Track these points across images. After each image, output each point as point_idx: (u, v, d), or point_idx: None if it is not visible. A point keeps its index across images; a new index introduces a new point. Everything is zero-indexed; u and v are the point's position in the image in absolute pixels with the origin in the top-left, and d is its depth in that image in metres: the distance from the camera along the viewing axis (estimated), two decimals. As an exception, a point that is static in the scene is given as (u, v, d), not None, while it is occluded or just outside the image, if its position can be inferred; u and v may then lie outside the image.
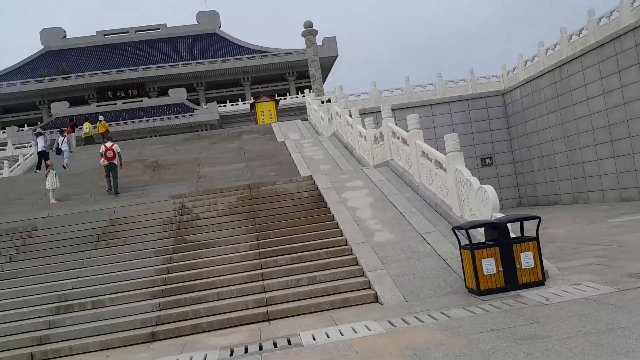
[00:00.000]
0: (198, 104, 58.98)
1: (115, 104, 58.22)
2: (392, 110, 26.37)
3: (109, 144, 17.28)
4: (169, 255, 10.35)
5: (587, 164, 22.77)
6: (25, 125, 55.23)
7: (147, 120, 54.93)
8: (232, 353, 6.54)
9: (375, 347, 5.98)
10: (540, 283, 7.95)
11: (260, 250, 10.25)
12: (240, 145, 22.58)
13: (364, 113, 23.78)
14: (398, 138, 13.99)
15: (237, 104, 57.78)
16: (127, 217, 12.60)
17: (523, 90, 26.84)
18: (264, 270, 9.46)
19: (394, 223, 10.84)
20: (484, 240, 8.59)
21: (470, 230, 8.54)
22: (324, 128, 24.44)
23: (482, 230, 8.90)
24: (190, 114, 55.61)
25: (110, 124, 50.69)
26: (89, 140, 30.10)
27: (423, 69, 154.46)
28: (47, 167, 17.85)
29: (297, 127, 26.71)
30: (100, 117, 36.14)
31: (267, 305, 8.37)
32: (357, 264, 9.47)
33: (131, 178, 18.22)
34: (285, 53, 61.00)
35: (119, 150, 17.18)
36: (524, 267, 7.96)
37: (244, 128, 28.59)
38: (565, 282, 7.95)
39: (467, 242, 8.10)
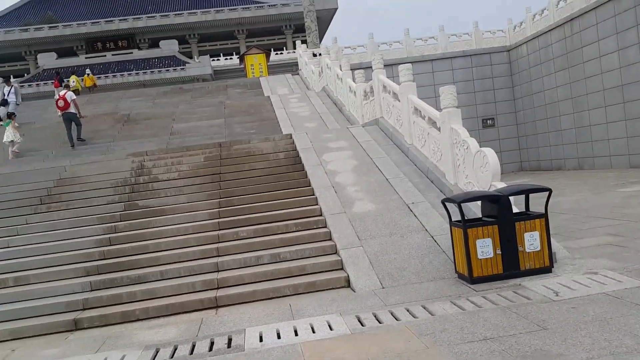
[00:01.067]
0: (191, 57, 56.52)
1: (105, 55, 55.75)
2: (390, 65, 24.52)
3: (62, 92, 15.69)
4: (114, 224, 8.88)
5: (595, 127, 21.08)
6: (11, 76, 52.93)
7: (137, 73, 52.60)
8: (155, 356, 5.16)
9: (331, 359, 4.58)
10: (547, 270, 6.49)
11: (220, 220, 8.79)
12: (223, 99, 20.83)
13: (359, 68, 21.84)
14: (389, 93, 12.32)
15: (231, 58, 55.27)
16: (78, 177, 11.08)
17: (530, 47, 24.82)
18: (220, 245, 8.01)
19: (378, 191, 9.33)
20: (480, 215, 7.11)
21: (464, 204, 7.03)
22: (314, 83, 22.62)
23: (479, 203, 7.40)
24: (182, 67, 53.22)
25: (99, 77, 48.60)
26: (76, 94, 28.24)
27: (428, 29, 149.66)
28: (8, 117, 16.28)
29: (286, 82, 24.85)
30: (87, 71, 34.38)
31: (217, 289, 6.96)
32: (330, 239, 8.02)
33: (98, 133, 16.62)
34: (282, 4, 57.96)
35: (73, 97, 15.87)
36: (527, 250, 6.49)
37: (230, 82, 26.70)
38: (577, 268, 6.50)
39: (459, 218, 6.61)
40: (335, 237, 7.86)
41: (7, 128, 15.22)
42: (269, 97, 19.57)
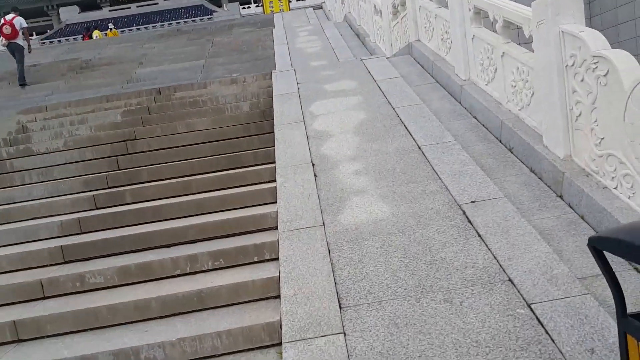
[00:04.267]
0: (220, 6, 51.64)
1: (129, 7, 51.62)
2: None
3: (9, 17, 11.53)
4: None
5: None
6: (34, 33, 49.96)
7: (162, 24, 48.38)
8: None
9: None
10: None
11: (75, 242, 4.30)
12: (220, 39, 16.05)
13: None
14: (429, -2, 7.24)
15: (261, 5, 49.94)
16: None
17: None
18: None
19: (402, 174, 4.52)
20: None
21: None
22: (336, 13, 17.44)
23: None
24: (209, 16, 48.41)
25: (123, 31, 44.91)
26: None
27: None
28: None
29: (305, 17, 19.65)
30: (110, 25, 31.68)
31: None
32: (277, 297, 3.39)
33: (45, 83, 12.43)
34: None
35: (25, 25, 11.80)
36: None
37: (238, 21, 21.83)
38: None
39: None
40: (288, 305, 3.19)
41: None
42: (272, 31, 14.62)
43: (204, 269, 3.85)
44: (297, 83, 7.21)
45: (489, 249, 3.38)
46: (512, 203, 3.90)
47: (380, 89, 6.58)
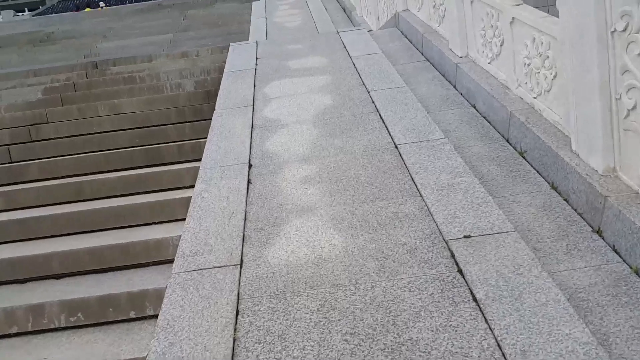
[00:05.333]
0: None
1: (122, -17, 49.52)
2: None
3: None
4: None
5: None
6: (25, 9, 47.83)
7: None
8: None
9: None
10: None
11: None
12: (195, 12, 14.45)
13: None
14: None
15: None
16: None
17: None
18: None
19: (368, 184, 3.14)
20: None
21: None
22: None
23: None
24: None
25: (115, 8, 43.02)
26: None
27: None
28: None
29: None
30: (101, 4, 30.29)
31: None
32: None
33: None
34: None
35: None
36: None
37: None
38: None
39: None
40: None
41: None
42: (251, 4, 13.03)
43: (52, 326, 2.48)
44: (257, 58, 5.76)
45: (491, 329, 2.01)
46: (526, 241, 2.53)
47: (356, 68, 5.14)
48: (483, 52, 4.35)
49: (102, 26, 13.60)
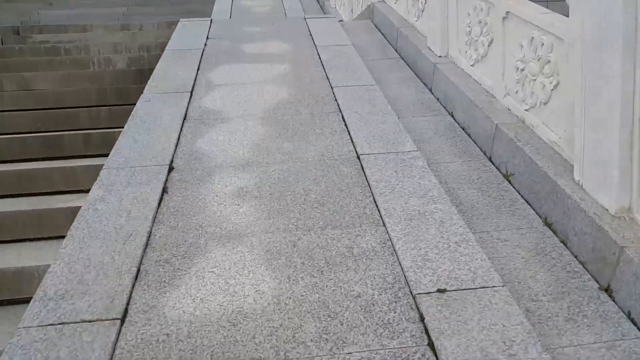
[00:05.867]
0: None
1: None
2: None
3: None
4: None
5: None
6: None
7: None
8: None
9: None
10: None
11: None
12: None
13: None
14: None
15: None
16: None
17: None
18: None
19: (320, 218, 2.45)
20: None
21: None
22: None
23: None
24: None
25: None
26: None
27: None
28: None
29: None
30: None
31: None
32: None
33: None
34: None
35: None
36: None
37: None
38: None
39: None
40: None
41: None
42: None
43: None
44: (208, 38, 4.95)
45: None
46: (516, 298, 1.89)
47: (320, 59, 4.41)
48: (466, 52, 3.71)
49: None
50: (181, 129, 3.15)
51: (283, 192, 2.56)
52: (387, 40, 5.20)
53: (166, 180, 2.61)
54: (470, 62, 3.65)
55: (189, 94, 3.66)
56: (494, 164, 2.97)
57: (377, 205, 2.42)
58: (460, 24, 3.81)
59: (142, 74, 4.19)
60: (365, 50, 4.97)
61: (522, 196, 2.66)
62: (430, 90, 4.02)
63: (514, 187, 2.75)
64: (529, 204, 2.59)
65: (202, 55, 4.48)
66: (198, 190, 2.57)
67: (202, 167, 2.78)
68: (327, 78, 3.98)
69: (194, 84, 3.85)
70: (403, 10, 5.09)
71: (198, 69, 4.17)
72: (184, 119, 3.30)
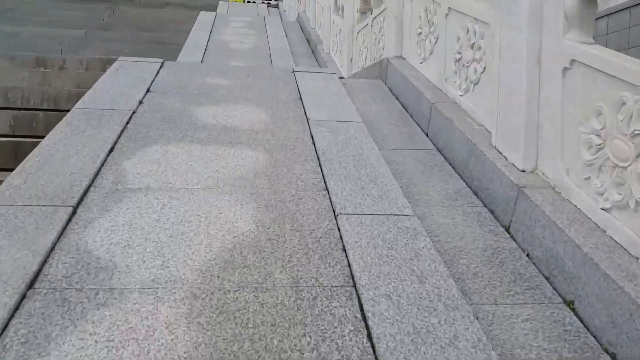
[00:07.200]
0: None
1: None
2: None
3: None
4: None
5: None
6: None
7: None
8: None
9: None
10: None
11: None
12: (126, 9, 11.62)
13: None
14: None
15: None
16: None
17: None
18: None
19: None
20: None
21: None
22: (291, 11, 13.66)
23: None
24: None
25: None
26: None
27: None
28: None
29: (256, 11, 15.64)
30: None
31: None
32: None
33: None
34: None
35: None
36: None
37: (176, 1, 17.37)
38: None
39: None
40: None
41: None
42: (197, 15, 10.46)
43: None
44: (148, 91, 3.23)
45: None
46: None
47: (315, 146, 2.72)
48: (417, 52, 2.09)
49: (1, 5, 10.49)
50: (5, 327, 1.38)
51: None
52: (410, 115, 3.56)
53: None
54: (419, 60, 2.02)
55: (69, 210, 1.90)
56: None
57: None
58: (413, 27, 2.20)
59: (17, 151, 2.43)
60: (379, 130, 3.31)
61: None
62: (511, 234, 2.27)
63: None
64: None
65: (127, 123, 2.74)
66: None
67: None
68: (327, 190, 2.28)
69: (89, 186, 2.10)
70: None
71: (111, 150, 2.43)
72: (23, 297, 1.52)
